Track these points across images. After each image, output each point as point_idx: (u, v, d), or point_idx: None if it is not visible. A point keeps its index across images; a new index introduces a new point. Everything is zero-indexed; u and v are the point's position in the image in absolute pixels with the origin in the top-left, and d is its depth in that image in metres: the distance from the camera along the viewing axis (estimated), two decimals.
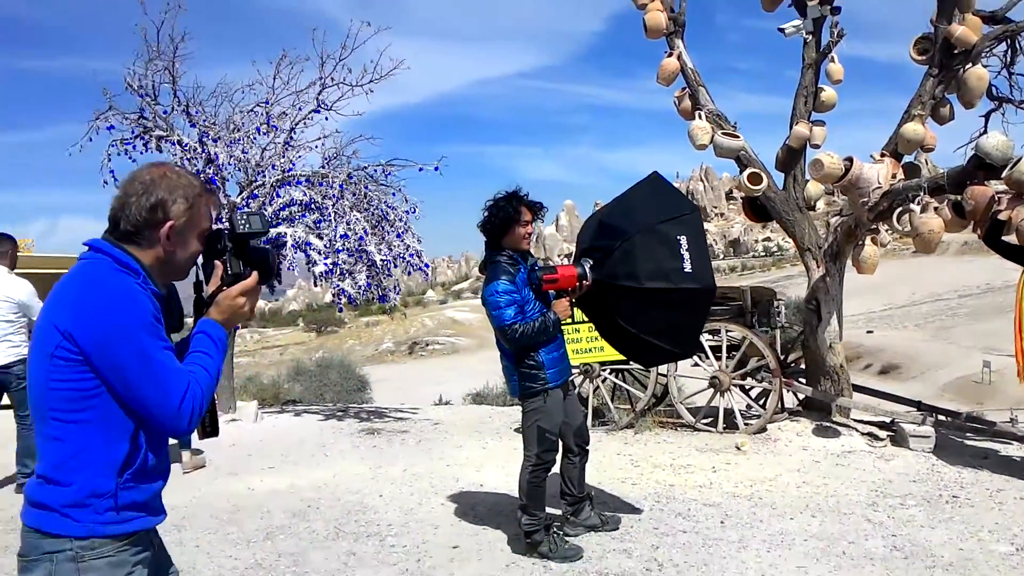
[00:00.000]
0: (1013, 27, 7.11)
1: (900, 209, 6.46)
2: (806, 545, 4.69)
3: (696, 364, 7.80)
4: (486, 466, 6.93)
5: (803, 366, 8.23)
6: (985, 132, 7.37)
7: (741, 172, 7.94)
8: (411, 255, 9.36)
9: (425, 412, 10.92)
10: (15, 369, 5.86)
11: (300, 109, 9.41)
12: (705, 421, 7.88)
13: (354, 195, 9.13)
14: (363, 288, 9.01)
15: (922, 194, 6.35)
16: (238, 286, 2.01)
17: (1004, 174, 5.84)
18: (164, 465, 1.96)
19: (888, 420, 7.49)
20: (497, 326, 4.45)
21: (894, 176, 6.84)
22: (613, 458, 6.98)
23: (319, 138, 9.64)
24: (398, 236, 9.33)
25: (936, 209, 6.32)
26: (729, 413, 7.77)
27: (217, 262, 2.06)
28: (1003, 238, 5.90)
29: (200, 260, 2.08)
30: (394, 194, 9.49)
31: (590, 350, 8.05)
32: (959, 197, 6.19)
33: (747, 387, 8.31)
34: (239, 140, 9.01)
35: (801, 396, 8.22)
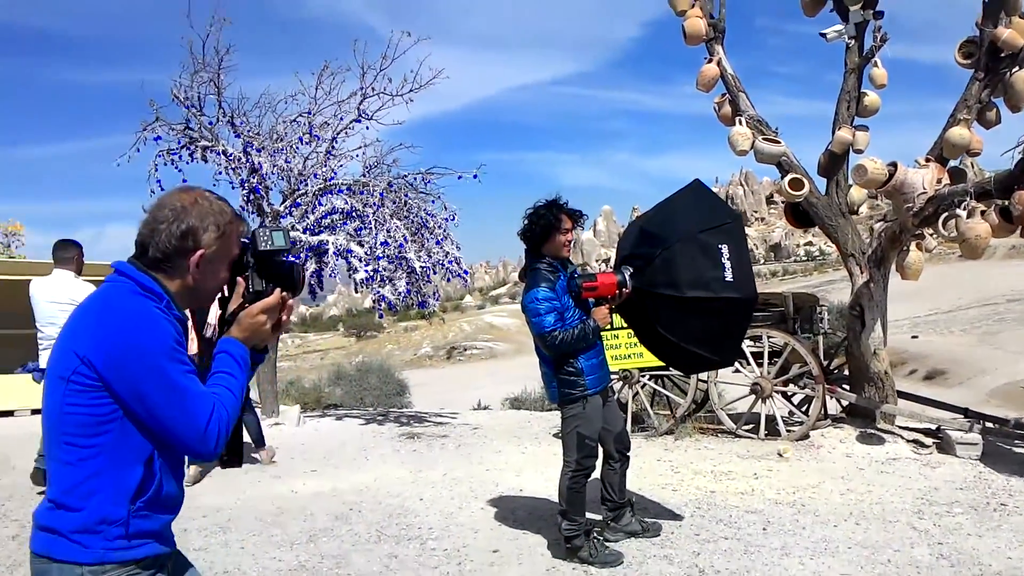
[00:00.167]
0: None
1: (946, 215, 6.37)
2: (850, 553, 4.64)
3: (737, 370, 7.76)
4: (525, 471, 6.96)
5: (847, 372, 8.14)
6: None
7: (783, 177, 7.89)
8: (450, 262, 9.44)
9: (464, 417, 10.99)
10: None
11: (341, 119, 9.56)
12: (746, 427, 7.83)
13: (394, 203, 9.24)
14: (403, 295, 9.10)
15: (968, 199, 6.26)
16: (259, 304, 1.95)
17: None
18: (178, 496, 1.91)
19: (934, 427, 7.37)
20: (537, 333, 4.48)
21: (939, 181, 6.75)
22: (653, 464, 6.96)
23: (360, 147, 9.78)
24: (437, 243, 9.42)
25: (983, 214, 6.22)
26: (771, 420, 7.70)
27: (239, 279, 1.99)
28: None
29: None
30: (433, 202, 9.59)
31: (629, 356, 8.05)
32: (1006, 202, 6.09)
33: (789, 393, 8.24)
34: (282, 150, 9.18)
35: (845, 403, 8.12)
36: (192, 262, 1.85)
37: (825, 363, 8.08)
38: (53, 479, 1.78)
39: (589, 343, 4.51)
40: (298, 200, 9.26)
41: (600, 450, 4.76)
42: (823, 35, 8.02)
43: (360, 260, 8.85)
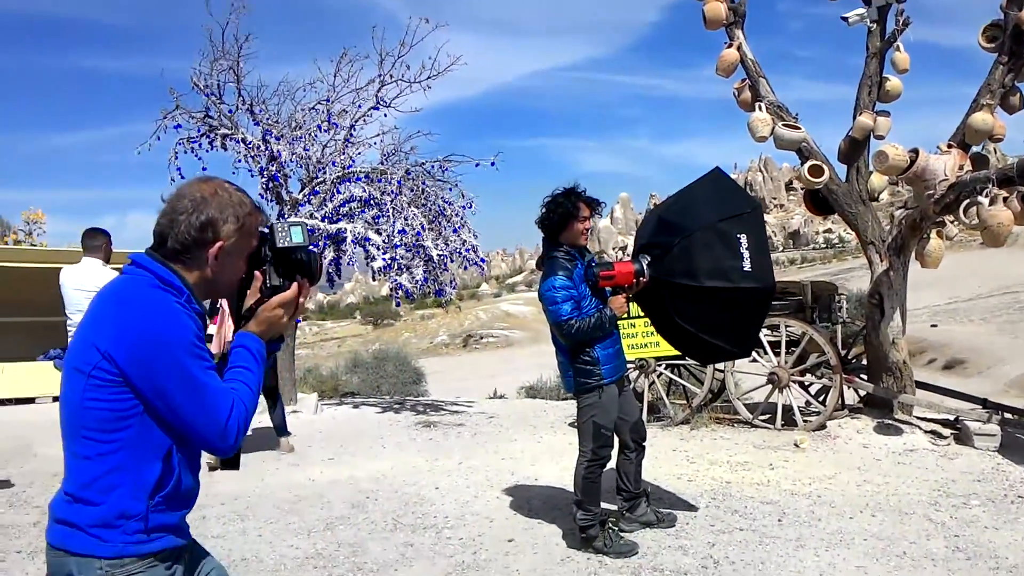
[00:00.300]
0: None
1: (967, 201, 6.29)
2: (866, 544, 4.61)
3: (754, 360, 7.72)
4: (541, 460, 6.97)
5: (865, 362, 8.07)
6: None
7: (802, 164, 7.82)
8: (467, 250, 9.45)
9: (480, 405, 11.02)
10: None
11: (360, 106, 9.58)
12: (763, 418, 7.79)
13: (412, 191, 9.25)
14: (420, 283, 9.12)
15: (990, 186, 6.17)
16: (276, 298, 1.94)
17: None
18: (195, 488, 1.91)
19: (952, 418, 7.31)
20: (553, 321, 4.47)
21: (961, 167, 6.65)
22: (668, 454, 6.95)
23: (378, 135, 9.80)
24: (455, 231, 9.42)
25: (1005, 201, 6.13)
26: (788, 410, 7.66)
27: (257, 273, 1.97)
28: None
29: None
30: (451, 189, 9.59)
31: (645, 345, 8.02)
32: None
33: (807, 383, 8.19)
34: (301, 137, 9.20)
35: (862, 393, 8.07)
36: (211, 254, 1.83)
37: (843, 352, 8.02)
38: (71, 472, 1.78)
39: (606, 332, 4.49)
40: (316, 188, 9.29)
41: (616, 440, 4.75)
42: (845, 19, 7.92)
43: (378, 248, 8.87)
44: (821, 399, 8.20)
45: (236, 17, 8.86)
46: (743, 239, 4.31)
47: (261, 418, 7.39)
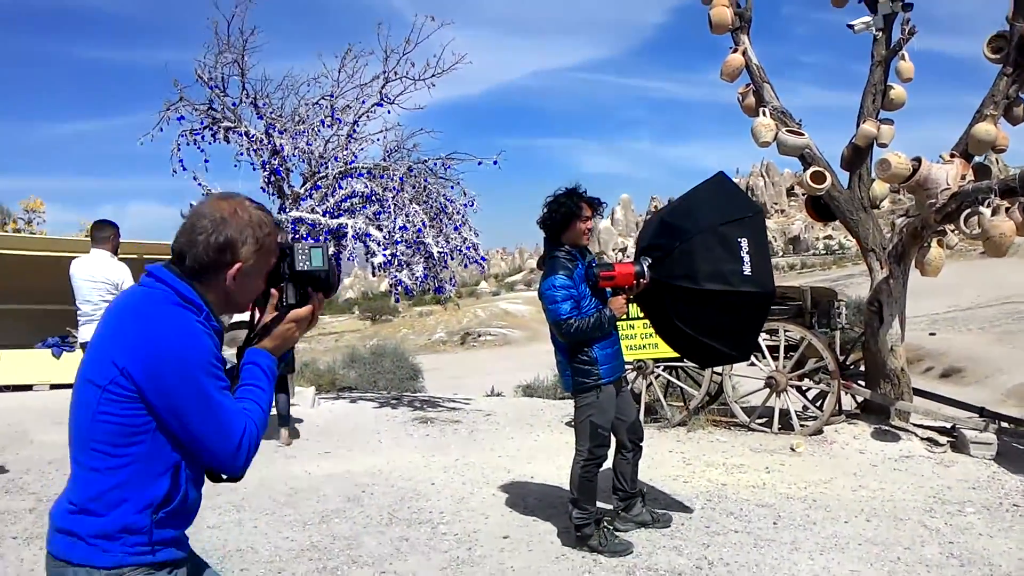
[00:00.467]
0: None
1: (969, 211, 6.30)
2: (860, 549, 4.63)
3: (752, 364, 7.73)
4: (537, 458, 6.99)
5: (863, 368, 8.09)
6: None
7: (805, 170, 7.83)
8: (468, 248, 9.45)
9: (477, 403, 11.03)
10: None
11: (363, 102, 9.57)
12: (760, 421, 7.81)
13: (414, 188, 9.25)
14: (420, 279, 9.12)
15: (992, 196, 6.18)
16: (291, 314, 1.96)
17: None
18: (198, 502, 1.91)
19: (949, 425, 7.32)
20: (553, 320, 4.49)
21: (963, 177, 6.67)
22: (665, 455, 6.96)
23: (381, 131, 9.78)
24: (456, 229, 9.42)
25: (1007, 211, 6.14)
26: (785, 414, 7.68)
27: (273, 291, 1.97)
28: None
29: None
30: (452, 187, 9.58)
31: (644, 347, 8.04)
32: None
33: (804, 388, 8.20)
34: (304, 132, 9.20)
35: (859, 399, 8.08)
36: (230, 275, 1.83)
37: (841, 358, 8.03)
38: (78, 483, 1.77)
39: (604, 332, 4.51)
40: (318, 183, 9.29)
41: (613, 440, 4.77)
42: (850, 26, 7.92)
43: (378, 244, 8.86)
44: (818, 404, 8.22)
45: (241, 10, 8.86)
46: (744, 243, 4.32)
47: None
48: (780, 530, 4.98)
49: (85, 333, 6.27)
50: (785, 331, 7.72)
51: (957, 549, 4.64)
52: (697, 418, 8.04)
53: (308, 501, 5.65)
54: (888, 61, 7.85)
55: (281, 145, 8.99)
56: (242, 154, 9.21)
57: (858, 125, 7.93)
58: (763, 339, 7.73)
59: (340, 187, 9.36)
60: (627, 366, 7.12)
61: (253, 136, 9.06)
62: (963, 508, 5.44)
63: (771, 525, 5.08)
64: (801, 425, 7.55)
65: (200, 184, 8.99)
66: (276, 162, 9.11)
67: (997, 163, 7.43)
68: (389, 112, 9.70)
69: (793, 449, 7.00)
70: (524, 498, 5.71)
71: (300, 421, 8.53)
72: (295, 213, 8.94)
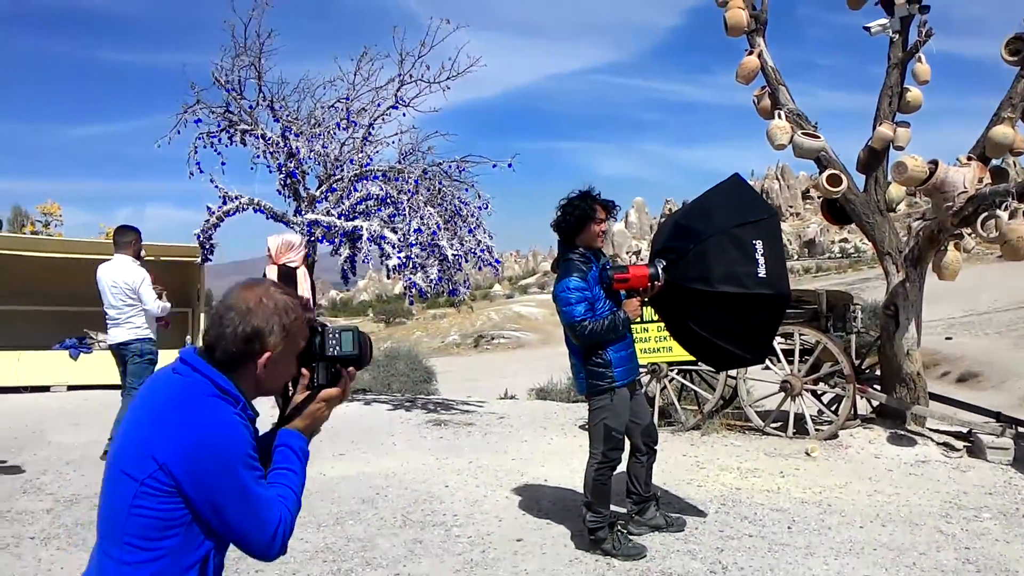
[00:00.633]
0: None
1: (986, 214, 6.26)
2: (875, 554, 4.60)
3: (767, 367, 7.70)
4: (550, 461, 6.98)
5: (878, 372, 8.04)
6: None
7: (820, 173, 7.79)
8: (482, 250, 9.47)
9: (490, 406, 11.02)
10: (132, 346, 6.42)
11: (379, 105, 9.64)
12: (774, 425, 7.77)
13: (428, 190, 9.28)
14: (434, 282, 9.14)
15: (1010, 199, 6.13)
16: (323, 394, 1.98)
17: None
18: None
19: (965, 430, 7.27)
20: (567, 322, 4.49)
21: (980, 180, 6.62)
22: (679, 459, 6.94)
23: (396, 134, 9.85)
24: (470, 232, 9.45)
25: None
26: (800, 418, 7.64)
27: (304, 371, 1.98)
28: None
29: None
30: (467, 190, 9.61)
31: (658, 350, 8.01)
32: None
33: (819, 392, 8.15)
34: (320, 135, 9.27)
35: (875, 403, 8.03)
36: (260, 364, 1.84)
37: (857, 362, 7.98)
38: (105, 573, 1.75)
39: (619, 335, 4.51)
40: (334, 185, 9.34)
41: (627, 443, 4.76)
42: (867, 28, 7.89)
43: (393, 247, 8.90)
44: (834, 408, 8.17)
45: (258, 13, 8.93)
46: (758, 245, 4.31)
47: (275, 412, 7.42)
48: (794, 535, 4.96)
49: (111, 336, 6.47)
50: (800, 335, 7.69)
51: (973, 555, 4.61)
52: (711, 422, 8.02)
53: (323, 503, 5.67)
54: (905, 63, 7.81)
55: (297, 148, 9.06)
56: (258, 157, 9.29)
57: (874, 128, 7.90)
58: (778, 342, 7.69)
59: (355, 190, 9.41)
60: (641, 369, 7.12)
61: (269, 139, 9.13)
62: (979, 513, 5.40)
63: (785, 529, 5.06)
64: (816, 429, 7.51)
65: (217, 186, 9.06)
66: (292, 165, 9.18)
67: (1014, 166, 7.36)
68: (404, 115, 9.77)
69: (808, 453, 6.97)
70: (538, 501, 5.71)
71: None
72: (311, 215, 8.98)
